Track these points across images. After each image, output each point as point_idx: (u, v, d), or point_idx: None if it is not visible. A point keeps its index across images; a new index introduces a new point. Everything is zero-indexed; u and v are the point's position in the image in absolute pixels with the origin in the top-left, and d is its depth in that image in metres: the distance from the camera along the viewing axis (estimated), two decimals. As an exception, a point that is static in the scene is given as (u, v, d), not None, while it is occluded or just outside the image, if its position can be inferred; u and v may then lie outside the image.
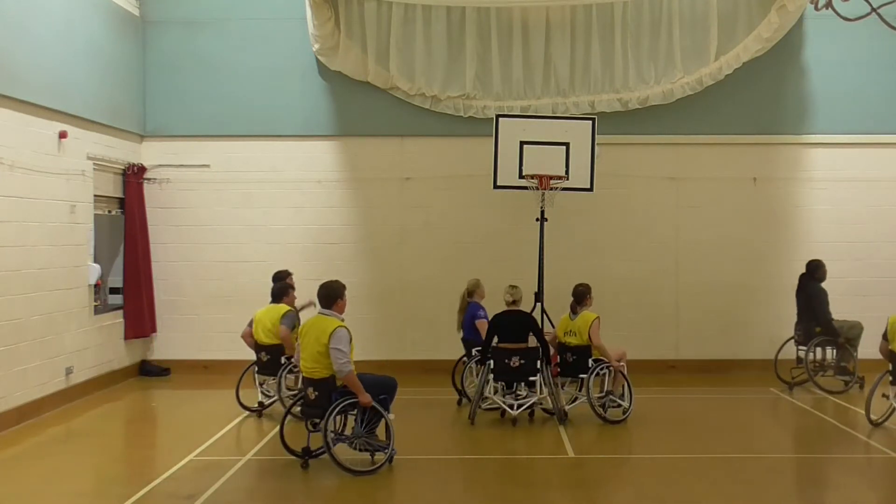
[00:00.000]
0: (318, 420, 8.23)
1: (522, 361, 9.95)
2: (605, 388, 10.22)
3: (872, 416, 9.79)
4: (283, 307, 10.67)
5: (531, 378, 10.00)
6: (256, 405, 10.71)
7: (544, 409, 10.32)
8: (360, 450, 8.20)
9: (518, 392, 10.09)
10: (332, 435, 8.11)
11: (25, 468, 8.53)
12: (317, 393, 8.12)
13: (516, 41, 13.50)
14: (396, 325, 13.37)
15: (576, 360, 10.27)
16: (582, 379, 10.34)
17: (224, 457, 8.79)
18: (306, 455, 8.29)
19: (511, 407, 10.01)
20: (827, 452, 9.36)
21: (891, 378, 9.68)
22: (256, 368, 10.77)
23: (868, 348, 11.33)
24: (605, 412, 10.14)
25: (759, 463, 8.58)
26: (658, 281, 13.67)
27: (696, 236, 13.71)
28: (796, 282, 12.31)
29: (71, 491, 7.73)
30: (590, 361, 10.18)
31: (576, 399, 10.39)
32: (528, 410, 10.21)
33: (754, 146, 13.74)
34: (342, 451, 8.27)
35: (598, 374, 10.15)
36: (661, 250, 13.73)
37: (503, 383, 10.15)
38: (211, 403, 11.50)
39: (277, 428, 8.75)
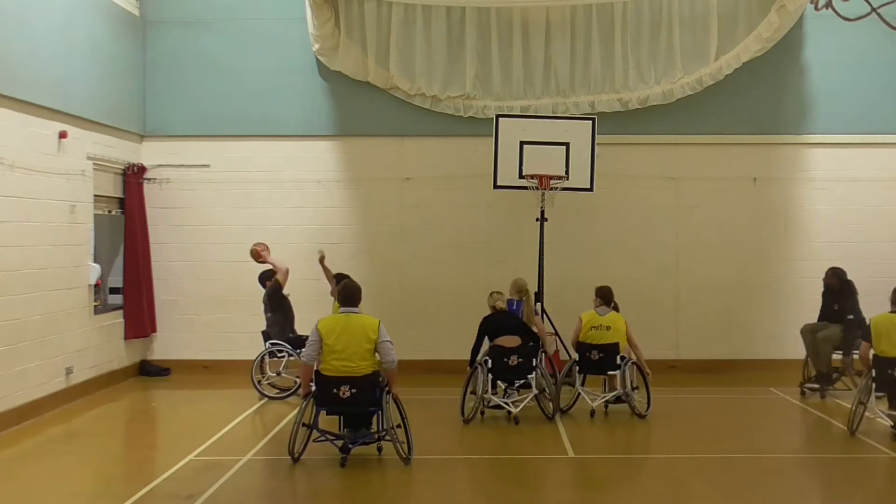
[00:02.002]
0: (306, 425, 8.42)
1: (520, 360, 10.03)
2: (632, 384, 10.39)
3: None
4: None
5: (528, 375, 10.07)
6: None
7: (542, 409, 10.33)
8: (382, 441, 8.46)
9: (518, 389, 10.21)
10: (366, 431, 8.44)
11: (25, 468, 8.53)
12: (354, 390, 8.20)
13: (516, 41, 13.49)
14: (396, 325, 13.21)
15: (603, 358, 10.31)
16: (584, 376, 10.49)
17: (224, 457, 8.79)
18: (345, 452, 8.35)
19: (512, 406, 10.09)
20: (827, 452, 9.35)
21: (874, 385, 9.25)
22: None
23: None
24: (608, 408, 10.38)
25: (759, 463, 8.57)
26: (658, 281, 13.66)
27: (696, 236, 13.70)
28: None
29: (71, 491, 7.73)
30: (618, 358, 10.28)
31: (578, 395, 10.45)
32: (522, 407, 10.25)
33: (754, 146, 13.73)
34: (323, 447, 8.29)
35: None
36: (661, 250, 13.72)
37: (507, 383, 10.19)
38: (211, 403, 11.50)
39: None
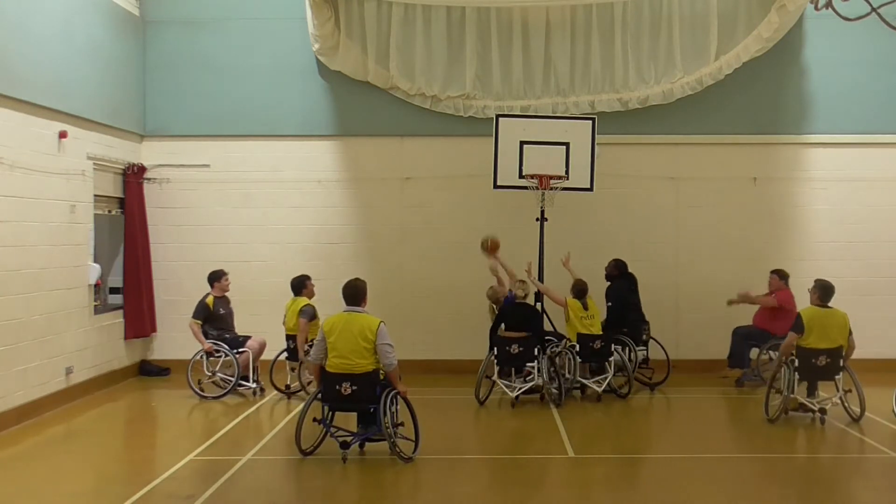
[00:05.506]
0: (317, 418, 8.53)
1: (521, 349, 10.70)
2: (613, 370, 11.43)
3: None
4: (302, 300, 11.46)
5: (528, 364, 10.80)
6: (284, 388, 11.60)
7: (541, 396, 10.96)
8: (390, 439, 8.52)
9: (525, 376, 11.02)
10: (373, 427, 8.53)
11: (25, 468, 8.54)
12: (355, 387, 8.35)
13: (516, 41, 13.49)
14: (396, 325, 13.18)
15: (604, 347, 11.30)
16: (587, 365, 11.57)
17: (224, 457, 8.80)
18: (345, 448, 8.41)
19: (512, 391, 10.87)
20: (826, 452, 9.36)
21: (797, 374, 9.91)
22: (287, 355, 11.70)
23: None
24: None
25: (759, 463, 8.58)
26: (658, 281, 13.65)
27: (696, 236, 13.70)
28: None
29: (71, 491, 7.74)
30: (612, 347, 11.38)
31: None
32: (536, 394, 11.02)
33: (754, 146, 13.73)
34: (325, 446, 8.28)
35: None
36: (661, 250, 13.72)
37: (514, 369, 11.08)
38: (211, 403, 11.49)
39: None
